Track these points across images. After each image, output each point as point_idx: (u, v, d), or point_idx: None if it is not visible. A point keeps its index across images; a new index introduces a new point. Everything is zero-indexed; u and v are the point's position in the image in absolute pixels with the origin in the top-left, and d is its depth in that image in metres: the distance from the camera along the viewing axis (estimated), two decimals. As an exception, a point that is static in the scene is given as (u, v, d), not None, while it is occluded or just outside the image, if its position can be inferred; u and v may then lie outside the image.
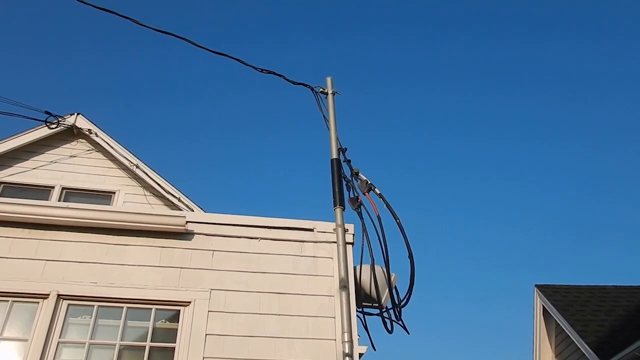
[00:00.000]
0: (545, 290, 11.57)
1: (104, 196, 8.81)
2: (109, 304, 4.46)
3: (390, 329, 4.86)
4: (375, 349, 4.87)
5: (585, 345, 9.40)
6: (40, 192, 8.51)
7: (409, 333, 4.82)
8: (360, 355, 8.22)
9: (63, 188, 8.63)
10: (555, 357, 11.27)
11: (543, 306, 11.48)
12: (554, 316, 10.85)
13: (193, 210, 8.55)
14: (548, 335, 11.52)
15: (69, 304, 4.39)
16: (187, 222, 4.84)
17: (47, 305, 4.31)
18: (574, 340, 9.96)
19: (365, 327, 5.07)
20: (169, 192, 8.83)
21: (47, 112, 8.81)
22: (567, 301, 11.08)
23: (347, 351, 4.32)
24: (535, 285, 11.85)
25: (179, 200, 8.82)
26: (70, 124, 8.96)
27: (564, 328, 10.41)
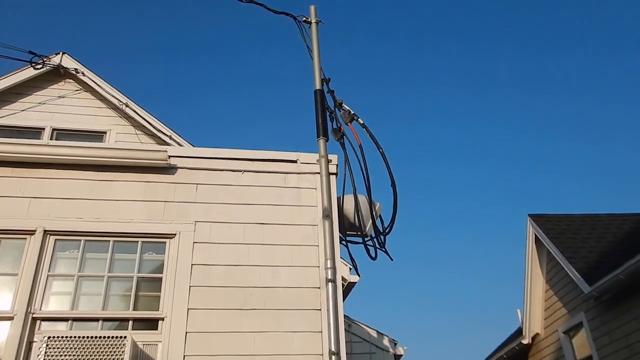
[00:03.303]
0: (538, 219, 11.71)
1: (95, 136, 8.80)
2: (95, 238, 4.54)
3: (374, 255, 4.97)
4: (359, 275, 4.99)
5: (574, 271, 9.59)
6: (31, 133, 8.49)
7: (392, 259, 4.94)
8: (353, 284, 8.45)
9: (53, 129, 8.61)
10: (546, 283, 11.55)
11: (535, 235, 11.64)
12: (546, 244, 11.03)
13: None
14: (540, 264, 11.75)
15: (56, 239, 4.47)
16: (170, 156, 4.85)
17: (34, 240, 4.40)
18: (563, 266, 10.16)
19: (351, 256, 5.19)
20: (159, 130, 8.79)
21: (31, 52, 8.66)
22: (559, 229, 11.23)
23: (329, 277, 4.43)
24: (529, 214, 11.97)
25: (170, 138, 8.80)
26: (56, 64, 8.82)
27: (554, 255, 10.60)
